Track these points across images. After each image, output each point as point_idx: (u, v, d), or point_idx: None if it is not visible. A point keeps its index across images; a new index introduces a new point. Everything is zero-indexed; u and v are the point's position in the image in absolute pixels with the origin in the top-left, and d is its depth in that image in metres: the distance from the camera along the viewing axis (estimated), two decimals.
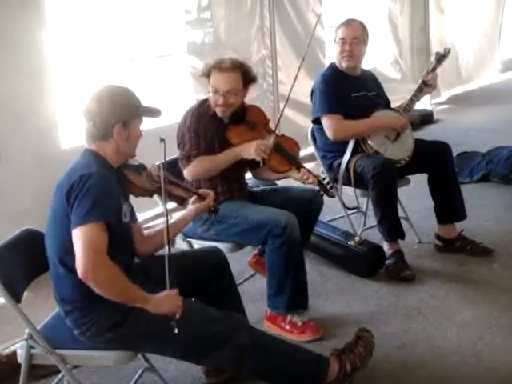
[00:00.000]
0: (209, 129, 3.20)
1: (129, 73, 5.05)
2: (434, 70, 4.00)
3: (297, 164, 3.29)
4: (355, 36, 3.89)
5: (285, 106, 3.60)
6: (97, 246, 2.15)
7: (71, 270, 2.25)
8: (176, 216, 2.84)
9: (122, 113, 2.36)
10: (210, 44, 5.48)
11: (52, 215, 2.33)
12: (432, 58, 4.07)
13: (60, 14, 4.42)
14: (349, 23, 3.95)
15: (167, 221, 2.38)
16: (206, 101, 3.29)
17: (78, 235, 2.15)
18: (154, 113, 2.50)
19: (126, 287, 2.23)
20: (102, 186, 2.21)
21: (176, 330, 2.25)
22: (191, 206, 2.77)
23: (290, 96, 3.59)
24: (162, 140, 2.39)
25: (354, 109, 3.85)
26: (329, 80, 3.93)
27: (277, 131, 3.44)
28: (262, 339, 2.49)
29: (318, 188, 3.29)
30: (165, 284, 2.29)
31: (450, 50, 4.09)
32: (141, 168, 2.58)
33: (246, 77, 3.21)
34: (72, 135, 4.42)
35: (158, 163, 2.60)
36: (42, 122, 4.12)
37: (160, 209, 3.31)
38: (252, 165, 3.34)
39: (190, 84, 5.40)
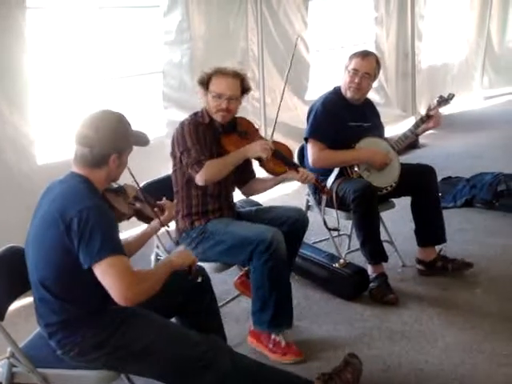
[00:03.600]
0: (207, 136, 3.23)
1: (104, 91, 5.10)
2: (429, 117, 4.00)
3: (294, 165, 3.44)
4: (368, 71, 3.89)
5: (277, 113, 3.69)
6: (123, 274, 2.16)
7: (57, 296, 2.27)
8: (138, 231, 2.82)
9: (119, 143, 2.36)
10: (187, 64, 5.54)
11: (40, 240, 2.29)
12: (434, 100, 4.07)
13: (40, 34, 4.47)
14: (365, 56, 3.93)
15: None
16: (197, 113, 3.33)
17: (102, 271, 2.16)
18: (143, 142, 2.50)
19: (155, 280, 2.29)
20: (104, 219, 2.21)
21: (200, 279, 2.57)
22: (154, 222, 2.74)
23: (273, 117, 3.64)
24: None
25: (345, 138, 3.87)
26: (328, 105, 3.94)
27: (273, 138, 3.53)
28: (245, 364, 2.48)
29: (315, 185, 3.63)
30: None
31: (453, 95, 4.12)
32: (119, 190, 2.56)
33: (244, 85, 3.30)
34: (48, 151, 4.46)
35: (132, 183, 2.62)
36: (19, 139, 4.14)
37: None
38: (240, 178, 3.42)
39: (161, 103, 5.50)
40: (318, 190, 3.61)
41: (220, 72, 3.24)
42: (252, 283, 3.16)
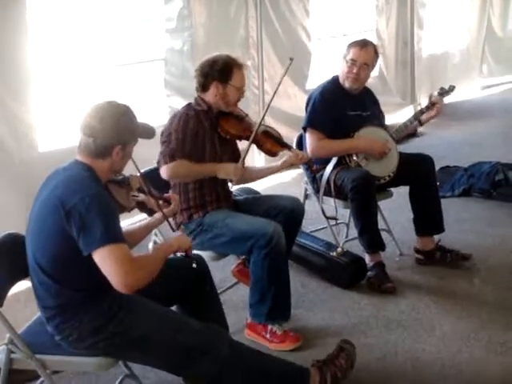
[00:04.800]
0: (199, 129, 3.23)
1: (107, 79, 5.08)
2: (433, 104, 4.01)
3: (286, 145, 3.49)
4: (366, 62, 3.87)
5: (271, 100, 3.54)
6: (122, 261, 2.17)
7: (55, 279, 2.28)
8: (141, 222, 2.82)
9: (123, 135, 2.36)
10: (188, 52, 5.50)
11: (40, 225, 2.30)
12: (435, 92, 4.07)
13: (41, 21, 4.44)
14: (364, 45, 3.90)
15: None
16: (190, 104, 3.34)
17: (101, 258, 2.17)
18: (148, 134, 2.50)
19: (154, 265, 2.31)
20: (105, 207, 2.22)
21: (194, 265, 2.63)
22: (158, 214, 2.74)
23: (273, 105, 3.60)
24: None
25: (344, 127, 3.87)
26: (326, 94, 3.93)
27: (262, 122, 3.49)
28: (242, 352, 2.49)
29: (306, 165, 3.75)
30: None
31: (454, 87, 4.13)
32: (123, 182, 2.55)
33: None
34: (49, 139, 4.45)
35: (136, 174, 2.61)
36: (20, 126, 4.12)
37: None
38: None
39: (163, 91, 5.46)
40: (309, 166, 3.69)
41: (239, 65, 3.27)
42: (251, 276, 3.17)
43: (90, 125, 2.33)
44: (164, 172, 3.14)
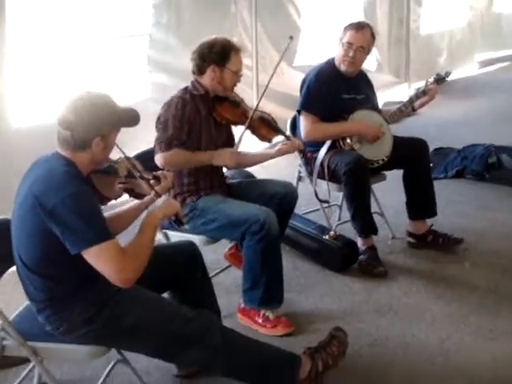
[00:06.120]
0: (195, 114, 3.20)
1: (89, 52, 4.98)
2: (428, 90, 3.97)
3: (281, 131, 3.51)
4: (362, 45, 3.83)
5: (267, 85, 3.52)
6: (114, 259, 2.15)
7: (41, 274, 2.26)
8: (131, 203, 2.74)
9: (102, 127, 2.28)
10: (174, 28, 5.43)
11: (21, 222, 2.26)
12: (431, 78, 4.01)
13: None
14: (360, 28, 3.85)
15: None
16: (186, 88, 3.30)
17: (92, 259, 2.15)
18: (132, 121, 2.41)
19: (145, 248, 2.28)
20: (87, 206, 2.18)
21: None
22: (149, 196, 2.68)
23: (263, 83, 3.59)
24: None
25: (338, 110, 3.85)
26: (321, 77, 3.89)
27: (258, 107, 3.47)
28: (234, 339, 2.49)
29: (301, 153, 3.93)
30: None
31: (450, 73, 4.10)
32: (109, 170, 2.49)
33: None
34: (23, 114, 4.32)
35: (123, 156, 2.53)
36: None
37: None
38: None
39: (146, 66, 5.41)
40: (301, 152, 3.79)
41: (236, 49, 3.25)
42: (244, 262, 3.17)
43: (66, 118, 2.26)
44: (159, 160, 3.11)
